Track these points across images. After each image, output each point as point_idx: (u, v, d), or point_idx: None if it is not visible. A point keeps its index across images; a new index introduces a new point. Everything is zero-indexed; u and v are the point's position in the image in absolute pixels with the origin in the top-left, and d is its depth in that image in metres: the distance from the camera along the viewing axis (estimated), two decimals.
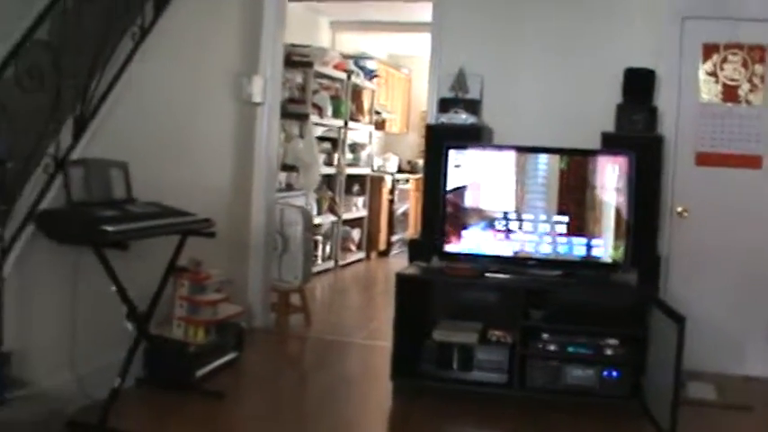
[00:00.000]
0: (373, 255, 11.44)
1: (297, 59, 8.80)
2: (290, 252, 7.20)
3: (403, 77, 13.30)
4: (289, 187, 8.89)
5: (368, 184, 11.39)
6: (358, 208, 11.08)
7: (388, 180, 11.71)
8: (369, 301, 9.22)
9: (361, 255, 11.18)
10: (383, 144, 12.92)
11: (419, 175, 12.53)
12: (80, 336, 4.61)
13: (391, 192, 11.74)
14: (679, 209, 5.92)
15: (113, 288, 4.57)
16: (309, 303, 7.43)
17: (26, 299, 4.21)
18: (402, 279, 5.38)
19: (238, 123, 6.57)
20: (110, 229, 4.27)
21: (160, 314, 5.20)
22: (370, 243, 11.38)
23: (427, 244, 5.79)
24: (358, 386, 5.85)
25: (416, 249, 5.91)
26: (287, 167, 8.88)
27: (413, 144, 13.60)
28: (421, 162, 12.96)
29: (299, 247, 7.20)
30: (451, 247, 5.54)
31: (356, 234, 11.08)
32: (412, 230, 11.99)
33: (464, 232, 5.52)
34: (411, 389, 5.47)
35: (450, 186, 5.52)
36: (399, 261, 10.40)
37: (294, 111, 8.84)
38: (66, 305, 4.53)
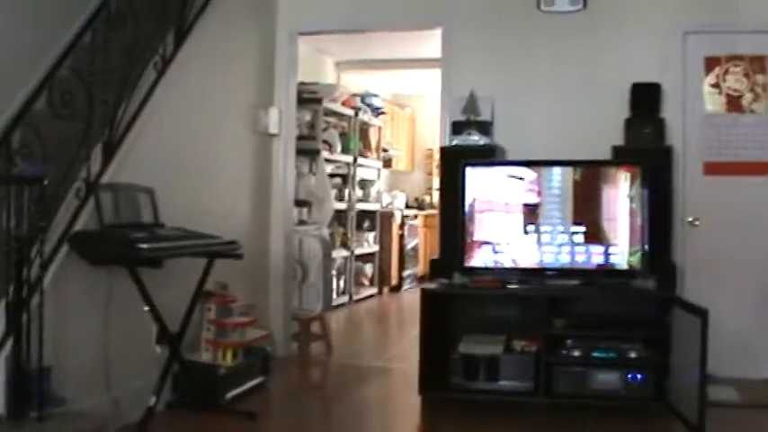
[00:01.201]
0: (385, 290, 11.55)
1: (306, 96, 8.97)
2: (310, 281, 7.33)
3: (407, 116, 13.52)
4: (302, 223, 9.02)
5: (378, 220, 11.53)
6: (369, 243, 11.22)
7: (398, 216, 11.86)
8: (386, 331, 9.37)
9: (374, 290, 11.29)
10: (390, 181, 13.10)
11: (427, 212, 12.75)
12: (113, 357, 4.71)
13: (401, 227, 11.88)
14: (690, 218, 6.05)
15: (146, 308, 4.72)
16: (330, 331, 7.54)
17: (61, 318, 4.31)
18: (427, 294, 5.53)
19: (256, 154, 6.75)
20: (144, 246, 4.42)
21: (188, 338, 5.31)
22: (382, 278, 11.49)
23: (447, 261, 5.93)
24: (384, 404, 5.98)
25: (438, 267, 6.03)
26: (299, 203, 9.01)
27: (419, 181, 13.78)
28: (427, 199, 13.24)
29: (318, 276, 7.33)
30: (472, 263, 5.68)
31: (368, 269, 11.21)
32: (422, 266, 12.11)
33: (483, 247, 5.66)
34: (439, 402, 5.58)
35: (467, 203, 5.68)
36: (411, 295, 10.60)
37: (305, 147, 8.99)
38: (99, 327, 4.64)
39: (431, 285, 5.75)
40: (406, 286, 11.86)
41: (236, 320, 5.63)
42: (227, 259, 5.31)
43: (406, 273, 11.93)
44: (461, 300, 5.82)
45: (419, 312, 5.54)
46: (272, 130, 6.82)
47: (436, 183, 13.19)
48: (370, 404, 5.88)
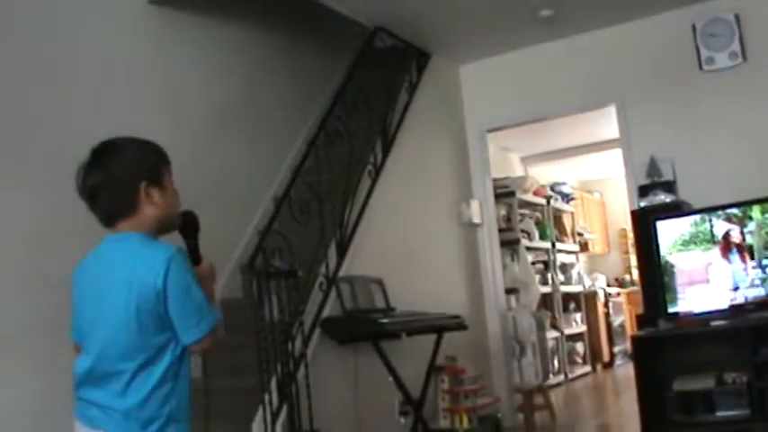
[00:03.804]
0: (598, 367, 11.88)
1: (500, 192, 9.63)
2: (527, 355, 7.88)
3: (596, 201, 13.98)
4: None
5: (582, 301, 11.96)
6: (577, 323, 11.63)
7: (601, 294, 12.25)
8: (603, 399, 9.80)
9: (587, 368, 11.64)
10: (588, 265, 13.48)
11: (629, 289, 13.03)
12: (365, 427, 5.40)
13: (605, 305, 12.25)
14: None
15: (390, 378, 5.43)
16: (551, 399, 8.04)
17: (319, 392, 5.03)
18: (638, 339, 6.05)
19: (464, 245, 7.47)
20: (385, 321, 5.19)
21: (425, 410, 5.94)
22: (593, 355, 11.84)
23: (651, 313, 6.38)
24: None
25: (643, 321, 6.48)
26: (507, 291, 9.60)
27: (616, 262, 14.10)
28: (627, 278, 13.51)
29: (534, 349, 7.88)
30: (674, 308, 6.13)
31: (580, 347, 11.59)
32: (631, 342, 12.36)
33: (683, 293, 6.12)
34: None
35: (662, 255, 6.17)
36: (624, 371, 10.93)
37: (505, 238, 9.59)
38: (350, 399, 5.36)
39: (640, 332, 6.23)
40: (618, 362, 12.12)
41: (468, 388, 6.26)
42: (452, 338, 5.99)
43: (616, 349, 12.22)
44: (669, 342, 6.22)
45: (633, 360, 6.04)
46: (476, 220, 7.55)
47: (633, 261, 13.54)
48: None
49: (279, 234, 5.21)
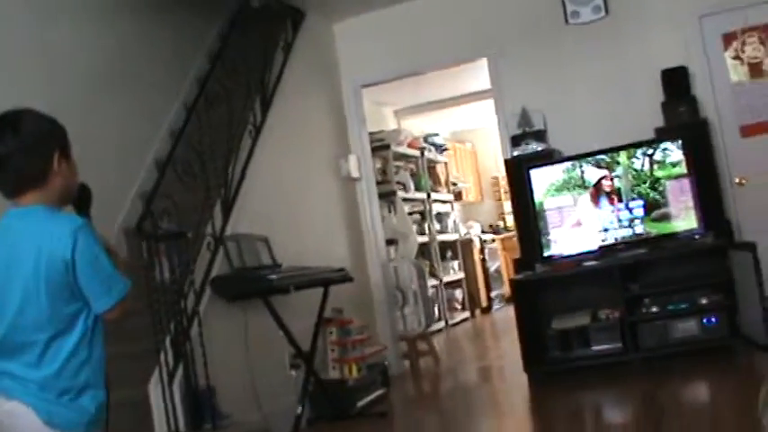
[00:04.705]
0: (477, 312, 12.24)
1: (375, 145, 9.77)
2: (410, 303, 8.11)
3: (468, 150, 14.29)
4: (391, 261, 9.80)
5: (459, 249, 12.28)
6: (455, 271, 11.95)
7: (477, 242, 12.59)
8: (484, 343, 10.18)
9: (467, 314, 11.99)
10: (463, 213, 13.78)
11: (503, 235, 13.43)
12: (258, 381, 5.49)
13: (481, 252, 12.60)
14: (737, 179, 6.67)
15: (281, 333, 5.56)
16: (435, 346, 8.30)
17: (211, 349, 5.04)
18: (516, 283, 6.34)
19: (343, 199, 7.60)
20: (274, 277, 5.30)
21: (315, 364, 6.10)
22: (472, 302, 12.20)
23: (527, 258, 6.67)
24: (496, 388, 6.76)
25: (521, 265, 6.78)
26: (386, 242, 9.80)
27: (490, 210, 14.48)
28: (501, 224, 13.92)
29: (416, 297, 8.12)
30: (549, 252, 6.42)
31: (458, 294, 11.92)
32: (508, 287, 12.76)
33: (556, 238, 6.41)
34: (542, 374, 6.32)
35: (536, 202, 6.44)
36: (502, 314, 11.33)
37: (381, 191, 9.76)
38: (242, 355, 5.43)
39: (518, 276, 6.51)
40: (495, 306, 12.51)
41: (355, 338, 6.43)
42: (337, 291, 6.15)
43: (493, 294, 12.60)
44: (545, 284, 6.55)
45: (513, 303, 6.32)
46: (354, 174, 7.67)
47: (507, 207, 13.94)
48: (483, 391, 6.65)
49: (165, 196, 5.23)
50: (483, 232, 13.32)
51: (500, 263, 13.02)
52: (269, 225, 6.09)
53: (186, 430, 4.73)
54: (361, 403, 6.28)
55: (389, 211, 10.08)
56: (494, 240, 13.20)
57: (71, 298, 2.45)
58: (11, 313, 2.46)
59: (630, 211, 6.28)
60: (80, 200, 2.64)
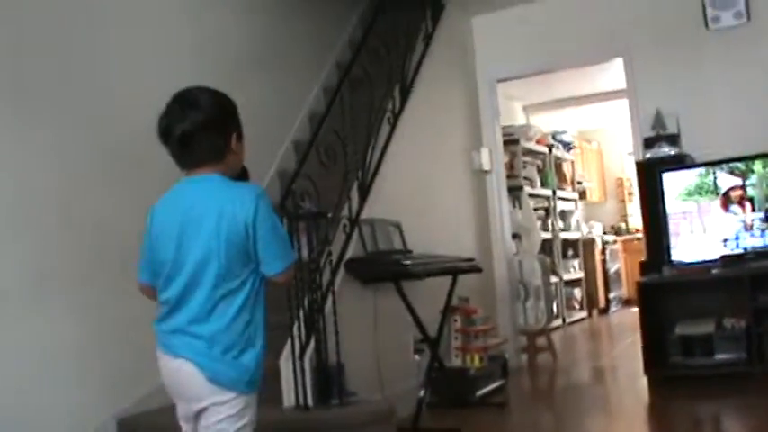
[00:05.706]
0: (594, 312, 12.23)
1: (505, 139, 9.87)
2: (531, 298, 8.18)
3: (594, 150, 14.24)
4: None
5: (580, 247, 12.28)
6: (575, 269, 11.97)
7: (599, 242, 12.57)
8: (602, 343, 10.16)
9: (584, 313, 12.00)
10: (585, 213, 13.75)
11: (624, 237, 13.36)
12: (382, 362, 5.66)
13: (602, 253, 12.58)
14: None
15: (407, 318, 5.71)
16: (554, 343, 8.36)
17: (342, 328, 5.14)
18: (642, 285, 6.34)
19: (473, 190, 7.73)
20: (408, 263, 5.45)
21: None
22: (590, 302, 12.19)
23: (654, 261, 6.67)
24: (614, 389, 6.79)
25: (647, 267, 6.78)
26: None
27: (612, 211, 14.40)
28: (623, 226, 13.83)
29: (539, 293, 8.19)
30: (677, 257, 6.42)
31: (577, 293, 11.93)
32: (626, 289, 12.72)
33: (683, 243, 6.41)
34: (662, 379, 6.33)
35: (668, 205, 6.45)
36: (619, 315, 11.31)
37: (508, 185, 9.85)
38: (369, 336, 5.61)
39: (644, 279, 6.53)
40: (612, 308, 12.47)
41: (479, 328, 6.56)
42: (462, 281, 6.25)
43: (611, 295, 12.56)
44: (672, 288, 6.54)
45: (638, 305, 6.36)
46: (486, 167, 7.80)
47: (630, 209, 13.86)
48: (602, 390, 6.70)
49: (306, 177, 5.43)
50: (604, 233, 13.28)
51: (620, 264, 12.96)
52: (401, 211, 6.25)
53: (314, 404, 4.90)
54: (480, 392, 6.40)
55: (515, 206, 10.14)
56: (615, 242, 13.15)
57: (246, 259, 2.65)
58: (189, 272, 2.65)
59: (763, 220, 6.23)
60: (240, 179, 2.84)
